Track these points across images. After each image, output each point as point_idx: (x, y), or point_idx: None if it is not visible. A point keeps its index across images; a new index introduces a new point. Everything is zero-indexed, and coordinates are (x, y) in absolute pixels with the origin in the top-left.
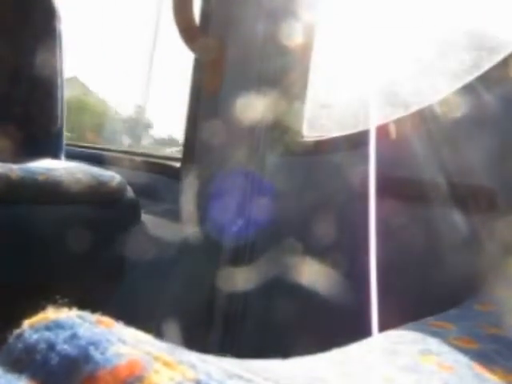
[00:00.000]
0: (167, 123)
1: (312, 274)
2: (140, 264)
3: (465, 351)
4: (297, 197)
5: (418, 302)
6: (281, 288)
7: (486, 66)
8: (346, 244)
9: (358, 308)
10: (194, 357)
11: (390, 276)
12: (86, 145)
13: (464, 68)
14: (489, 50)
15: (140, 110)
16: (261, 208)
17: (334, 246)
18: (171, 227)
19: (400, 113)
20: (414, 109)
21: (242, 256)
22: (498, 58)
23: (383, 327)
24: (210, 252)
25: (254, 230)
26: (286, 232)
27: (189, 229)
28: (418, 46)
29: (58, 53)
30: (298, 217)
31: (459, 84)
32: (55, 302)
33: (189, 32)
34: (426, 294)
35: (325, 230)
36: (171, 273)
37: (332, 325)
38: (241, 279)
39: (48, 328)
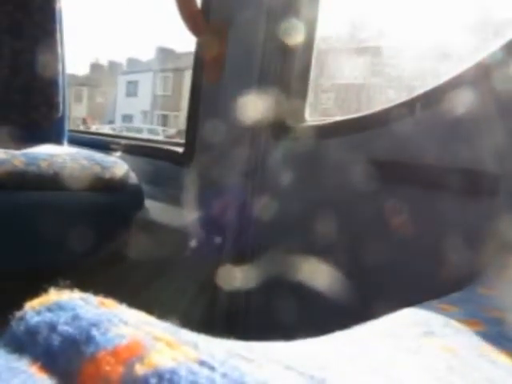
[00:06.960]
0: None
1: (315, 272)
2: (142, 252)
3: (470, 333)
4: (299, 187)
5: (422, 294)
6: (283, 286)
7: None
8: (349, 234)
9: (360, 306)
10: (196, 337)
11: (392, 266)
12: (89, 130)
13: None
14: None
15: None
16: (262, 203)
17: (338, 236)
18: (174, 213)
19: (404, 96)
20: (418, 92)
21: (243, 253)
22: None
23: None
24: (211, 249)
25: (256, 227)
26: (289, 226)
27: (191, 215)
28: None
29: (58, 38)
30: (301, 210)
31: (466, 65)
32: (57, 286)
33: (192, 19)
34: (429, 286)
35: (329, 222)
36: (172, 270)
37: (334, 323)
38: (243, 277)
39: (50, 310)
